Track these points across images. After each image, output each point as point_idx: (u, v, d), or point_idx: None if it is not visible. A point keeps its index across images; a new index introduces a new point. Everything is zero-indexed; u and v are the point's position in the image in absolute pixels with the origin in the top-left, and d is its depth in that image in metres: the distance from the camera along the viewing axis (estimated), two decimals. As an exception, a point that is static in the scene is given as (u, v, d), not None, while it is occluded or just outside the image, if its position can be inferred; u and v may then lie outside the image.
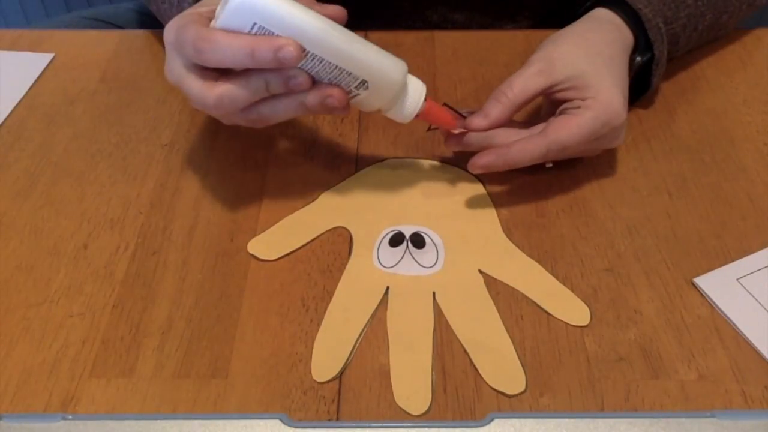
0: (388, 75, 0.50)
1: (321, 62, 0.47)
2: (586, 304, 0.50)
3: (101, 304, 0.51)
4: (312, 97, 0.49)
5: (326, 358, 0.47)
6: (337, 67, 0.48)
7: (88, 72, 0.70)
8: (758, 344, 0.47)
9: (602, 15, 0.59)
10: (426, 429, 0.42)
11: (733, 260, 0.52)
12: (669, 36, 0.60)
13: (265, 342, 0.48)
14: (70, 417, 0.42)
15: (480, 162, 0.54)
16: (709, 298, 0.50)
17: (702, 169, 0.59)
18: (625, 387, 0.45)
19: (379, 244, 0.54)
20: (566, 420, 0.41)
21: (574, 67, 0.54)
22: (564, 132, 0.53)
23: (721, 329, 0.48)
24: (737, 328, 0.48)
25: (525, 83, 0.54)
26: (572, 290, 0.51)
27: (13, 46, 0.73)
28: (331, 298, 0.50)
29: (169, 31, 0.50)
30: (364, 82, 0.49)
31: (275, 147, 0.61)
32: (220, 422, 0.42)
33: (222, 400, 0.45)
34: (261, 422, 0.42)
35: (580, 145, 0.54)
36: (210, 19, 0.49)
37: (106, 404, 0.45)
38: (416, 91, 0.52)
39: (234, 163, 0.60)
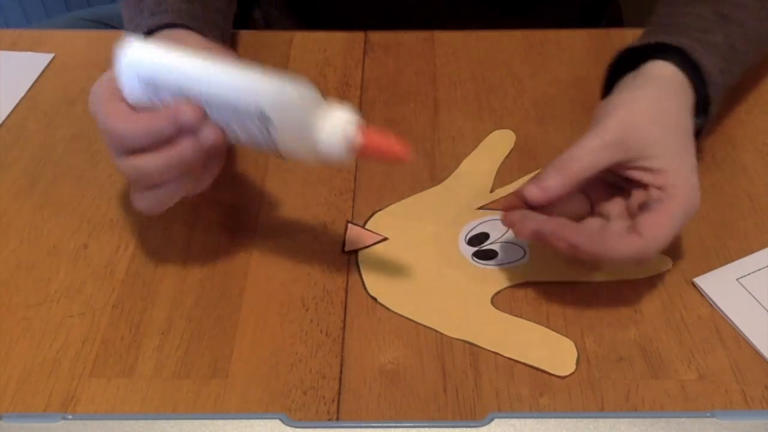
0: (287, 99, 0.43)
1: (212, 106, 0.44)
2: (586, 303, 0.50)
3: (101, 304, 0.51)
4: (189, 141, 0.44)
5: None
6: (227, 102, 0.43)
7: (88, 72, 0.70)
8: (758, 344, 0.47)
9: (668, 73, 0.52)
10: (426, 429, 0.42)
11: (733, 260, 0.52)
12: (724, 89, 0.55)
13: (265, 342, 0.48)
14: (70, 417, 0.42)
15: (572, 239, 0.46)
16: (709, 298, 0.50)
17: (702, 169, 0.59)
18: (625, 387, 0.45)
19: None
20: (566, 420, 0.41)
21: (652, 146, 0.48)
22: (661, 231, 0.46)
23: (721, 329, 0.48)
24: (737, 328, 0.48)
25: (595, 157, 0.47)
26: (572, 290, 0.51)
27: (13, 46, 0.73)
28: (331, 298, 0.50)
29: (92, 94, 0.47)
30: (263, 115, 0.43)
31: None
32: (220, 422, 0.42)
33: (222, 400, 0.45)
34: (261, 422, 0.42)
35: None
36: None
37: (106, 404, 0.45)
38: (338, 118, 0.43)
39: (234, 163, 0.60)
